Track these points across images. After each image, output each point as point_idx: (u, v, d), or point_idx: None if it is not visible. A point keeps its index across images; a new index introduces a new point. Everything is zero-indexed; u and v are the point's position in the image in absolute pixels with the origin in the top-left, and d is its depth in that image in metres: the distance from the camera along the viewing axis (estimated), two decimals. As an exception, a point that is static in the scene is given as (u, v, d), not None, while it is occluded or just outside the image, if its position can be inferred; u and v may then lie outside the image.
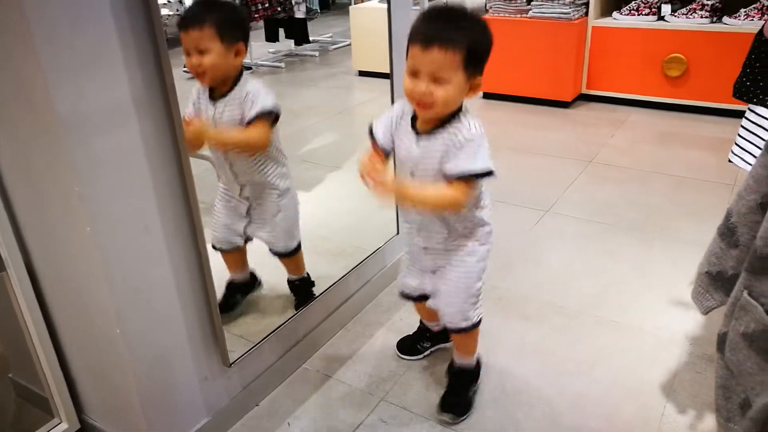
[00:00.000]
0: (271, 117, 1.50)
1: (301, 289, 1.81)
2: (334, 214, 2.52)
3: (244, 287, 1.80)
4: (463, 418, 1.52)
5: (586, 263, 2.20)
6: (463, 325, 1.45)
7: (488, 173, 1.24)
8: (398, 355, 1.74)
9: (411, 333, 1.77)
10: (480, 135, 1.24)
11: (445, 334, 1.71)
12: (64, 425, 1.45)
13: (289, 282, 1.82)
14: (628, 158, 3.09)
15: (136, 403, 1.33)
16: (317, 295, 1.76)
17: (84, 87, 1.06)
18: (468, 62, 1.18)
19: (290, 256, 1.73)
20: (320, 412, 1.58)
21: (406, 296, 1.56)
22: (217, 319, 1.39)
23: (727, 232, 0.85)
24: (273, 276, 1.88)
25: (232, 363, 1.45)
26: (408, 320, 1.90)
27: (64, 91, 1.03)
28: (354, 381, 1.67)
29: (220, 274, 1.68)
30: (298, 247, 1.74)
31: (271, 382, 1.64)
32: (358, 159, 1.30)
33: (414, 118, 1.31)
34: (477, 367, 1.62)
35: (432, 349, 1.75)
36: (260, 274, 1.87)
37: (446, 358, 1.67)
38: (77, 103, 1.05)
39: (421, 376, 1.68)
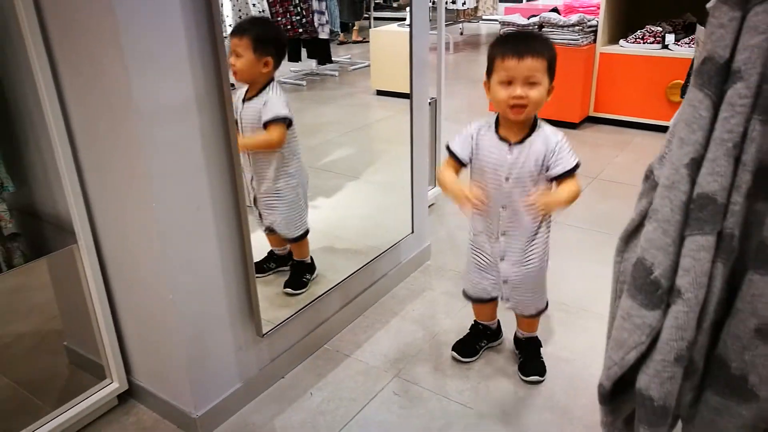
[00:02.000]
0: (284, 122, 1.79)
1: (296, 270, 2.03)
2: (351, 217, 2.72)
3: (280, 259, 2.09)
4: (545, 378, 1.75)
5: (586, 267, 2.37)
6: (542, 307, 1.73)
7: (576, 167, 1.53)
8: (458, 359, 1.83)
9: (465, 336, 1.88)
10: (564, 136, 1.53)
11: (497, 332, 1.90)
12: (115, 384, 1.64)
13: (291, 263, 2.07)
14: (630, 176, 3.27)
15: (182, 365, 1.51)
16: (337, 283, 1.94)
17: (158, 85, 1.27)
18: (549, 69, 1.46)
19: (295, 242, 2.01)
20: (339, 385, 1.76)
21: (478, 299, 1.76)
22: (254, 292, 1.58)
23: (648, 174, 1.09)
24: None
25: (265, 334, 1.64)
26: (420, 311, 2.09)
27: (142, 87, 1.24)
28: (370, 360, 1.85)
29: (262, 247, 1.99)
30: (303, 235, 2.00)
31: (296, 358, 1.83)
32: (455, 193, 1.51)
33: (497, 131, 1.56)
34: (537, 336, 1.84)
35: (486, 347, 1.89)
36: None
37: (447, 344, 1.87)
38: (152, 98, 1.27)
39: (430, 358, 1.86)
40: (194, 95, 1.34)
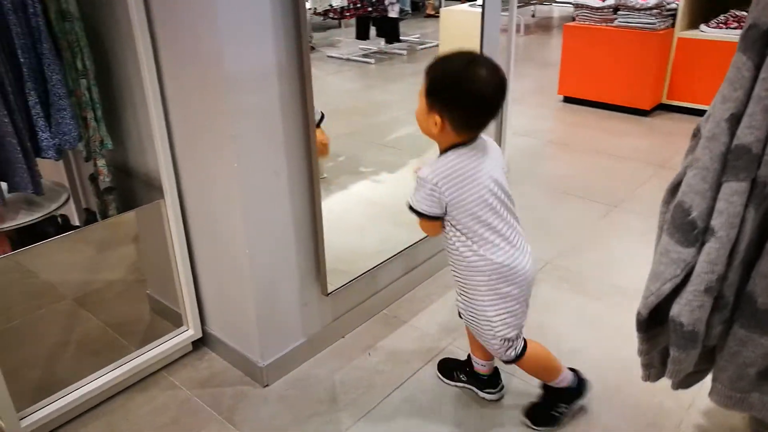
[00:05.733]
0: None
1: None
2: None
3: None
4: (539, 429, 1.54)
5: (648, 254, 2.34)
6: (502, 359, 1.48)
7: (413, 210, 1.39)
8: (437, 374, 1.72)
9: (459, 359, 1.73)
10: (426, 180, 1.33)
11: (484, 381, 1.65)
12: (190, 332, 1.79)
13: None
14: (701, 166, 3.18)
15: (253, 317, 1.63)
16: (398, 252, 2.01)
17: (246, 53, 1.37)
18: (428, 91, 1.28)
19: None
20: (396, 347, 1.84)
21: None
22: (321, 253, 1.68)
23: (695, 132, 1.21)
24: (367, 231, 2.17)
25: (329, 293, 1.74)
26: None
27: (232, 55, 1.34)
28: (426, 328, 1.93)
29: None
30: None
31: (356, 320, 1.93)
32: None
33: None
34: (566, 390, 1.56)
35: (464, 384, 1.68)
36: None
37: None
38: (240, 65, 1.37)
39: (485, 330, 1.91)
40: (276, 64, 1.43)
